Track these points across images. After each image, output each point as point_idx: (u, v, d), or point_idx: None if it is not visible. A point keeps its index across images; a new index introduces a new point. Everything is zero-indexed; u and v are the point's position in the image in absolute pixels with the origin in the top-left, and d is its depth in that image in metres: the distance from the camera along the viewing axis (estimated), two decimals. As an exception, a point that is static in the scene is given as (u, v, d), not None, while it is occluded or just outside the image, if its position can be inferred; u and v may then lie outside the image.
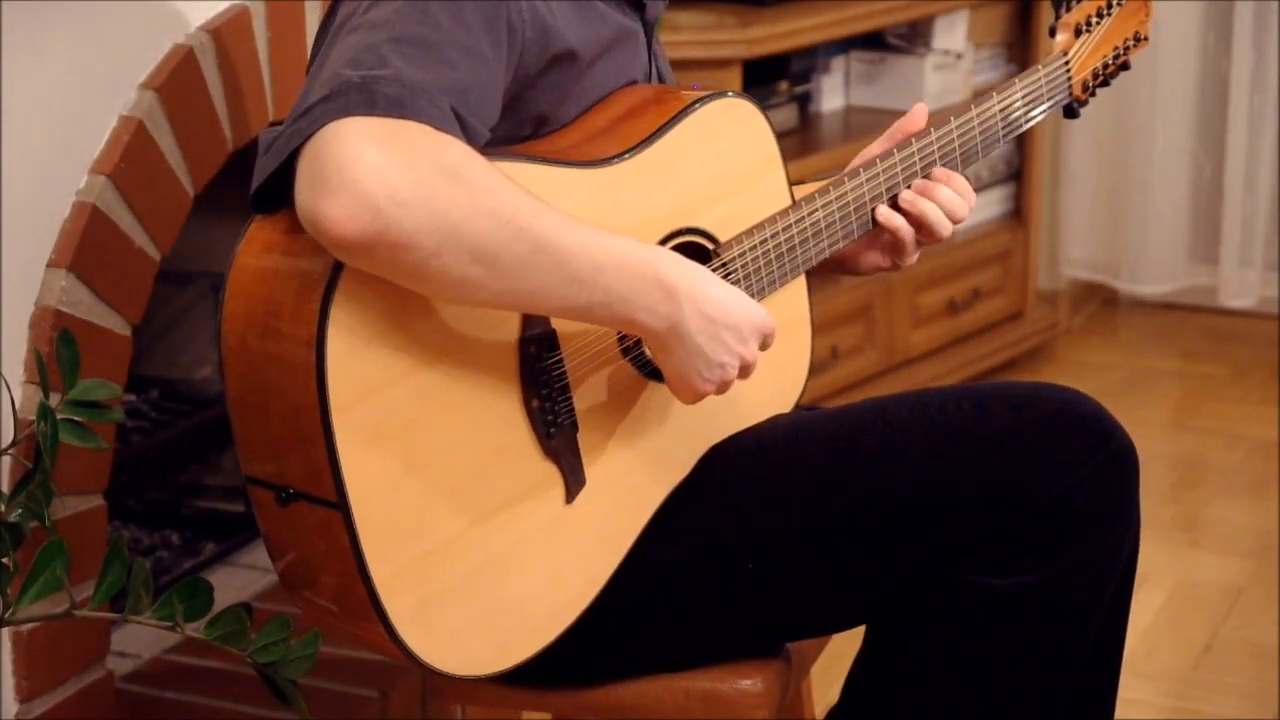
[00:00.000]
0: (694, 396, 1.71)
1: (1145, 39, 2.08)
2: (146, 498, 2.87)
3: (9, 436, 1.91)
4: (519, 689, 1.84)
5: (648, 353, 1.75)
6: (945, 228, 1.90)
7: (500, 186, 1.54)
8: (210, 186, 2.21)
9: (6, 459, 1.92)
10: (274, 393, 1.58)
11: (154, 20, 2.13)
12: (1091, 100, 2.06)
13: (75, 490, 2.03)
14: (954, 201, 1.90)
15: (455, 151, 1.52)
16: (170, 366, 2.94)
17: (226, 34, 2.21)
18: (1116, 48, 2.05)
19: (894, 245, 1.92)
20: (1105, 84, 2.05)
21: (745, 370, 1.71)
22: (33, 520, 1.81)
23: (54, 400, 1.83)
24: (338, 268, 1.54)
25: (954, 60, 3.91)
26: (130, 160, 2.07)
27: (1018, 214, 4.18)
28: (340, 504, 1.56)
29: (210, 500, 2.91)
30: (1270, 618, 3.05)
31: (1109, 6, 2.02)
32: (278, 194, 1.57)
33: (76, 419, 1.84)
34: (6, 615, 1.81)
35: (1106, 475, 1.74)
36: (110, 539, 1.90)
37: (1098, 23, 2.02)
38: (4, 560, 1.80)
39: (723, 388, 1.70)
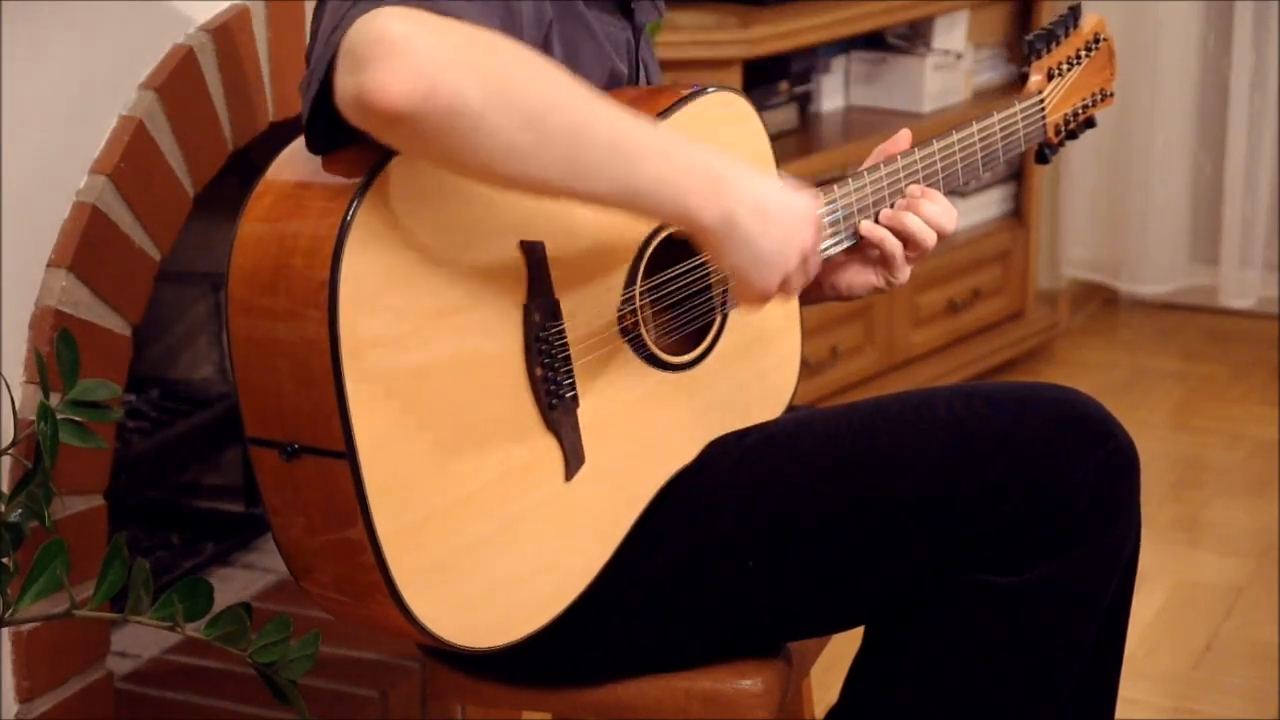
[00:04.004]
0: (758, 296, 1.68)
1: (1110, 96, 2.12)
2: (146, 498, 2.87)
3: (9, 436, 1.91)
4: (519, 689, 1.84)
5: (648, 338, 1.75)
6: (930, 239, 1.90)
7: (540, 57, 1.54)
8: (210, 186, 2.22)
9: (6, 459, 1.92)
10: (282, 344, 1.58)
11: (154, 20, 2.13)
12: (1061, 148, 2.10)
13: (75, 490, 2.03)
14: (938, 214, 1.91)
15: (486, 30, 1.53)
16: (170, 366, 2.94)
17: (226, 34, 2.21)
18: (1084, 99, 2.09)
19: (883, 260, 1.92)
20: (1073, 135, 2.09)
21: (806, 264, 1.69)
22: (33, 520, 1.81)
23: (54, 400, 1.83)
24: (349, 217, 1.53)
25: (954, 60, 3.91)
26: (130, 160, 2.07)
27: (1018, 214, 4.18)
28: (348, 453, 1.55)
29: (210, 500, 2.92)
30: (1270, 618, 3.05)
31: (1078, 56, 2.06)
32: (332, 136, 1.57)
33: (76, 419, 1.84)
34: (6, 615, 1.81)
35: (1107, 475, 1.74)
36: (110, 539, 1.90)
37: (1069, 70, 2.06)
38: (4, 560, 1.80)
39: (787, 286, 1.69)
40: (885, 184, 1.90)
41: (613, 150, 1.56)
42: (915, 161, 1.92)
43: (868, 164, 1.93)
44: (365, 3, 1.51)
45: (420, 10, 1.49)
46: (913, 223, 1.89)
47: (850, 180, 1.89)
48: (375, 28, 1.47)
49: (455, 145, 1.50)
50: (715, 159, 1.62)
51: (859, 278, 1.95)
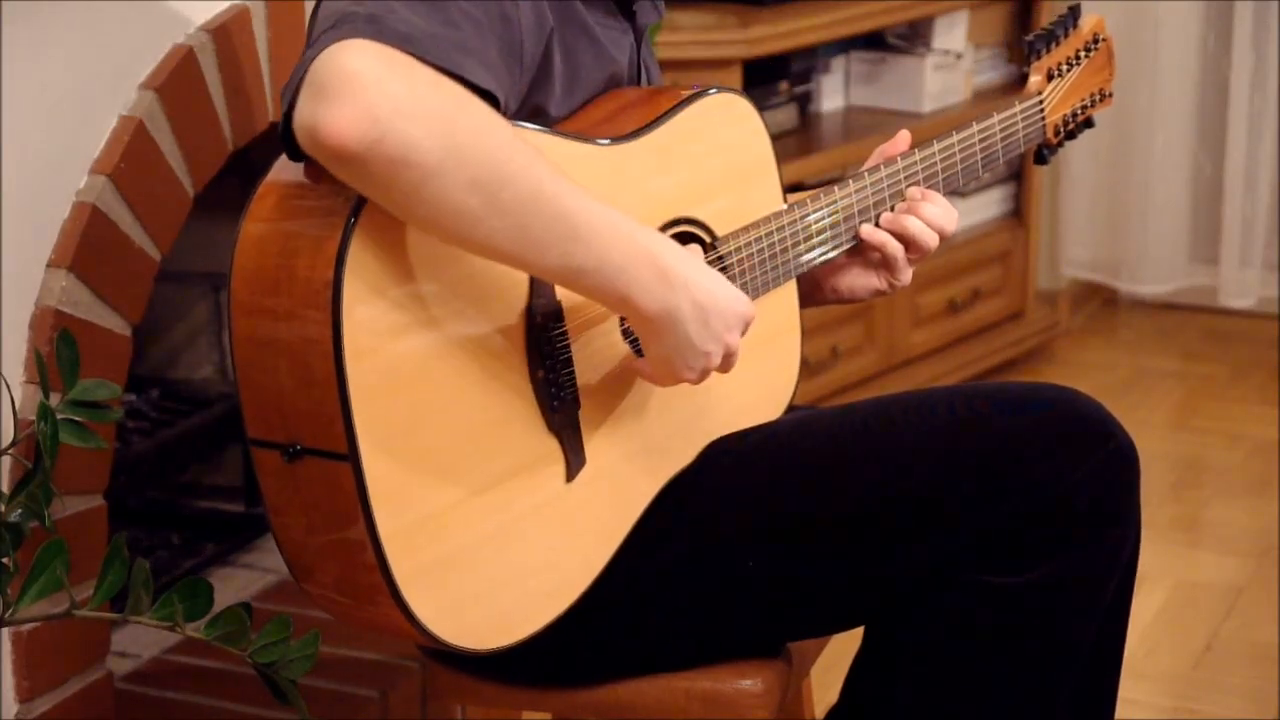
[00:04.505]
0: (673, 382, 1.70)
1: (1110, 96, 2.12)
2: (146, 498, 2.87)
3: (9, 436, 1.91)
4: (519, 689, 1.84)
5: None
6: (931, 241, 1.90)
7: (502, 123, 1.53)
8: (210, 186, 2.21)
9: (6, 459, 1.92)
10: (285, 346, 1.58)
11: (154, 20, 2.13)
12: (1060, 149, 2.09)
13: (75, 490, 2.03)
14: (938, 215, 1.90)
15: (455, 85, 1.51)
16: (170, 366, 2.94)
17: (226, 34, 2.21)
18: (1084, 99, 2.08)
19: (885, 263, 1.92)
20: (1072, 135, 2.09)
21: (728, 359, 1.70)
22: (33, 520, 1.81)
23: (54, 400, 1.83)
24: (353, 219, 1.53)
25: (954, 60, 3.91)
26: (130, 160, 2.07)
27: (1018, 214, 4.18)
28: (351, 455, 1.55)
29: (210, 500, 2.91)
30: (1270, 618, 3.05)
31: (1077, 57, 2.06)
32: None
33: (76, 419, 1.84)
34: (6, 615, 1.81)
35: (1107, 475, 1.74)
36: (110, 539, 1.90)
37: (1068, 70, 2.05)
38: (4, 560, 1.80)
39: (702, 376, 1.70)
40: (885, 185, 1.90)
41: (562, 228, 1.55)
42: (915, 163, 1.92)
43: (868, 165, 1.93)
44: (345, 28, 1.50)
45: (394, 50, 1.49)
46: (914, 225, 1.89)
47: (850, 182, 1.89)
48: (341, 61, 1.47)
49: (400, 195, 1.50)
50: (664, 248, 1.63)
51: (860, 281, 1.95)
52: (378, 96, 1.46)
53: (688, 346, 1.66)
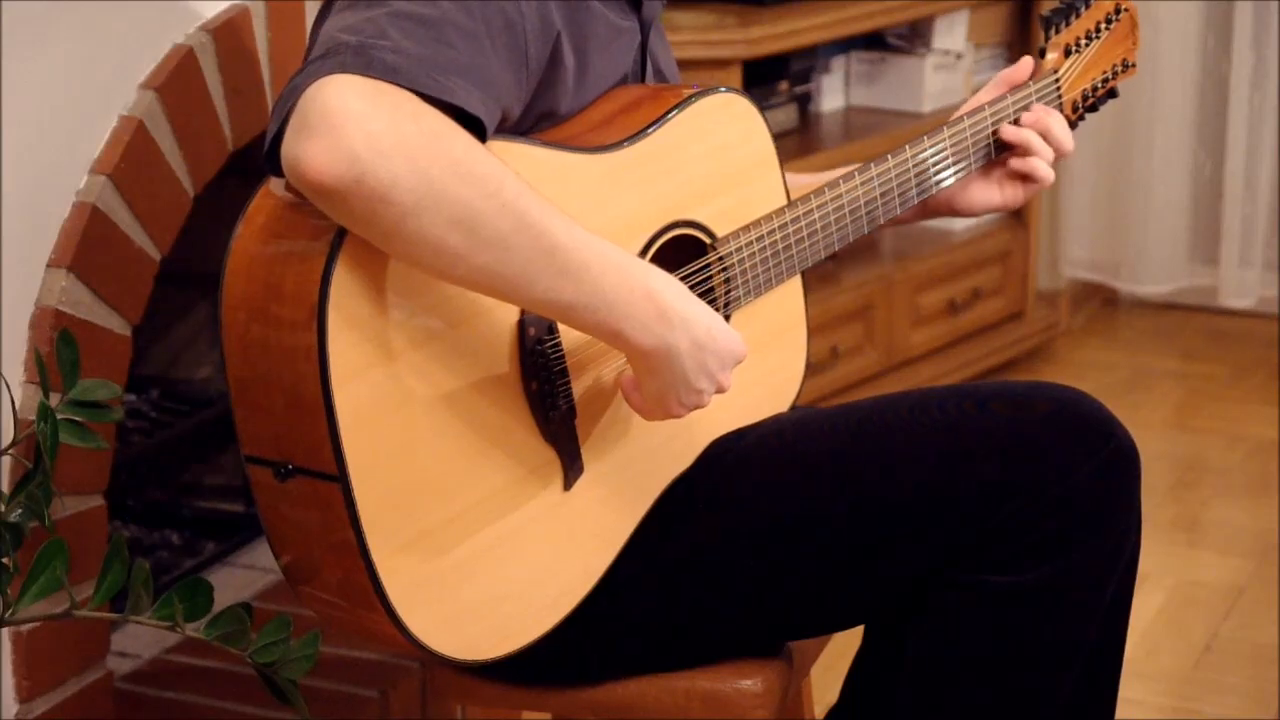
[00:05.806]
0: (663, 417, 1.70)
1: (1133, 66, 2.11)
2: (146, 498, 2.87)
3: (9, 436, 1.91)
4: (519, 689, 1.84)
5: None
6: (1065, 147, 1.97)
7: (486, 159, 1.53)
8: (210, 186, 2.21)
9: (6, 459, 1.92)
10: (275, 367, 1.58)
11: (154, 20, 2.13)
12: (1080, 123, 2.09)
13: (75, 490, 2.03)
14: (1063, 134, 1.97)
15: (439, 119, 1.51)
16: (170, 366, 2.94)
17: (226, 34, 2.21)
18: (1105, 72, 2.07)
19: (1025, 166, 1.97)
20: (1093, 109, 2.08)
21: (713, 395, 1.70)
22: (33, 520, 1.81)
23: (54, 400, 1.83)
24: (339, 240, 1.53)
25: (954, 60, 3.91)
26: (130, 160, 2.07)
27: (1018, 214, 4.18)
28: (340, 477, 1.55)
29: (210, 500, 2.92)
30: (1270, 618, 3.05)
31: (1097, 30, 2.05)
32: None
33: (76, 419, 1.83)
34: (6, 615, 1.81)
35: (1108, 475, 1.74)
36: (110, 539, 1.90)
37: (1086, 44, 2.04)
38: (4, 560, 1.80)
39: (689, 412, 1.70)
40: (894, 175, 1.90)
41: (548, 264, 1.55)
42: (925, 148, 1.92)
43: (988, 94, 1.98)
44: (334, 60, 1.50)
45: (379, 83, 1.49)
46: (1056, 125, 1.97)
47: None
48: (324, 98, 1.47)
49: (380, 232, 1.50)
50: (663, 285, 1.62)
51: (980, 196, 2.00)
52: (357, 135, 1.46)
53: (682, 383, 1.66)
